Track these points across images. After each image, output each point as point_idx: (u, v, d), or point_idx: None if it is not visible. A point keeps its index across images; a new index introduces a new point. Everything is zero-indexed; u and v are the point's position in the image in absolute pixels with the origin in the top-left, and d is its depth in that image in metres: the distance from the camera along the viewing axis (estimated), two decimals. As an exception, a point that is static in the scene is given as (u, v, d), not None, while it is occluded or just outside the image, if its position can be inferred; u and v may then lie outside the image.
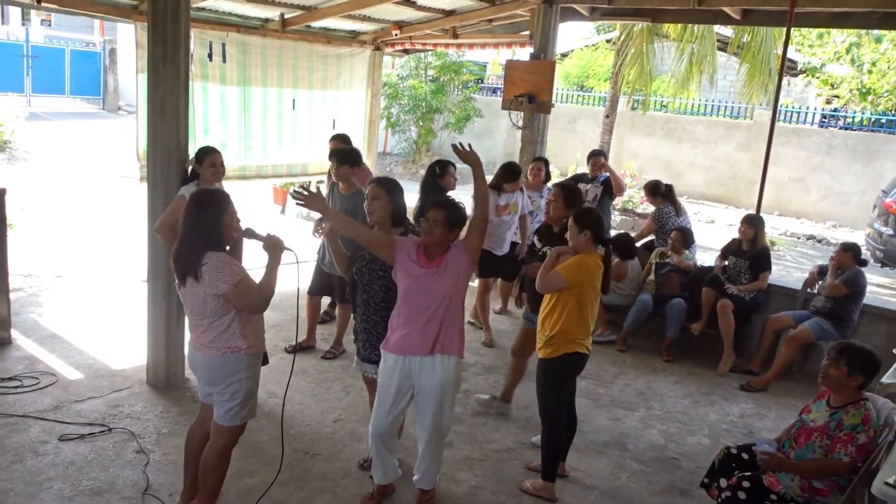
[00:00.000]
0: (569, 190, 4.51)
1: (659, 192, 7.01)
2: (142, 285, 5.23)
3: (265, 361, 3.61)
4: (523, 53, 8.17)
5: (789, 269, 9.74)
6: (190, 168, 4.72)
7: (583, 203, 4.69)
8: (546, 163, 6.80)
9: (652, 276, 6.55)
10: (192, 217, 3.14)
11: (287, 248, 3.37)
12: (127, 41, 19.58)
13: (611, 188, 7.09)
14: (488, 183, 6.25)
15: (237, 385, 3.23)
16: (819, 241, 12.57)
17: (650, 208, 7.61)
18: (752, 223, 6.25)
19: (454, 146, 3.61)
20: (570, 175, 8.12)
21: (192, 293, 3.12)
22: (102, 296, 6.61)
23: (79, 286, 6.82)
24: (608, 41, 19.10)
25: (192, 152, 4.80)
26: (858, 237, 10.51)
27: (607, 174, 7.14)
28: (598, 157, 7.25)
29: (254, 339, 3.27)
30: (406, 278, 3.47)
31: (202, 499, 3.39)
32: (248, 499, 3.68)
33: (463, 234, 3.59)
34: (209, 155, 4.68)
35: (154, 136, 4.66)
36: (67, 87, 21.52)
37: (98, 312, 6.18)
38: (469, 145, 3.57)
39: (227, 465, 3.40)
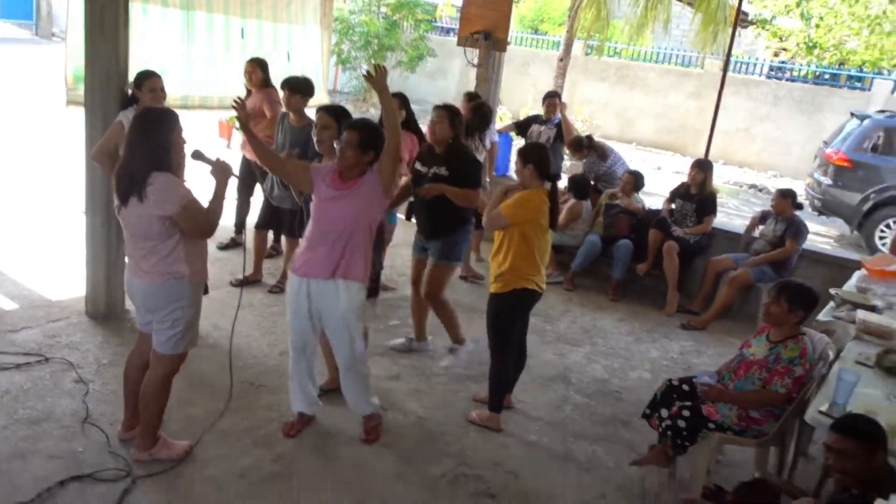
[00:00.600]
0: (454, 111, 4.43)
1: (582, 145, 7.02)
2: (80, 216, 5.01)
3: (206, 291, 3.53)
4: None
5: (731, 217, 9.97)
6: (129, 92, 4.49)
7: (463, 124, 4.58)
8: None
9: (601, 218, 6.62)
10: (139, 135, 2.99)
11: (235, 175, 3.28)
12: (60, -39, 18.39)
13: (561, 132, 7.10)
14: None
15: (179, 312, 3.14)
16: (760, 190, 12.90)
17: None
18: (702, 167, 6.34)
19: (365, 74, 3.46)
20: (522, 117, 8.04)
21: (136, 214, 2.99)
22: (38, 227, 6.33)
23: (13, 217, 6.51)
24: (564, -16, 18.85)
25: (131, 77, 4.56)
26: (799, 187, 10.80)
27: (560, 118, 7.13)
28: (553, 99, 7.21)
29: (197, 266, 3.18)
30: (316, 201, 3.44)
31: (143, 427, 3.34)
32: (192, 428, 3.63)
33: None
34: (149, 79, 4.45)
35: (92, 57, 4.39)
36: (-4, 10, 20.26)
37: (34, 244, 5.92)
38: (382, 67, 3.42)
39: (167, 394, 3.33)
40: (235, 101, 3.66)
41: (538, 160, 3.78)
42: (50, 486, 3.10)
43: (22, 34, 20.37)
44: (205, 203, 3.12)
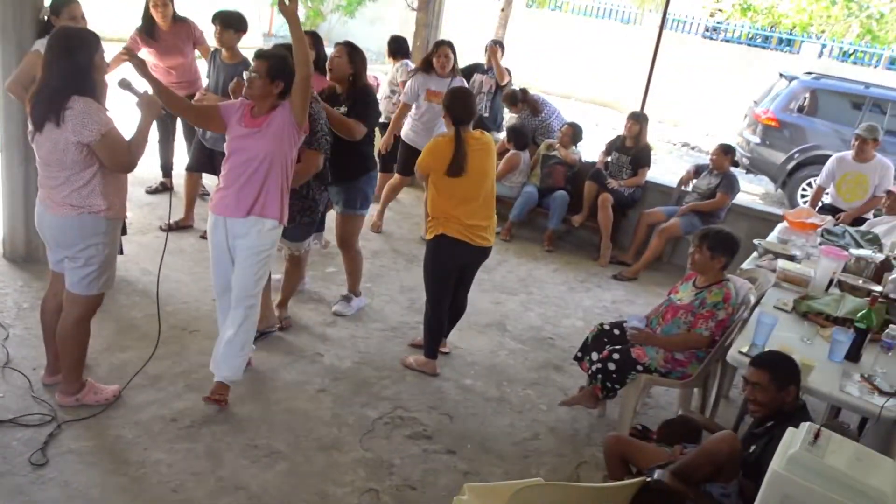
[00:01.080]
0: (353, 46, 4.29)
1: (517, 99, 7.01)
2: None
3: (124, 231, 3.40)
4: (421, -69, 7.76)
5: (664, 172, 10.20)
6: (45, 19, 4.21)
7: (365, 62, 4.37)
8: (452, 47, 6.04)
9: (538, 169, 6.66)
10: (58, 55, 2.82)
11: (164, 110, 3.15)
12: None
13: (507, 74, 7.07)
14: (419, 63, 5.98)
15: (93, 250, 3.01)
16: (692, 148, 13.22)
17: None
18: (638, 119, 6.44)
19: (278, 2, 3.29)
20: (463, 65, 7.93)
21: (51, 140, 2.83)
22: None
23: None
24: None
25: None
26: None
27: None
28: (494, 47, 7.14)
29: (115, 201, 3.03)
30: (229, 139, 3.37)
31: (66, 372, 3.24)
32: (122, 373, 3.55)
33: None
34: (68, 5, 4.15)
35: (3, -22, 4.10)
36: None
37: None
38: None
39: (86, 336, 3.23)
40: (125, 52, 3.48)
41: (448, 105, 3.78)
42: (-31, 431, 2.99)
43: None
44: (127, 136, 2.98)
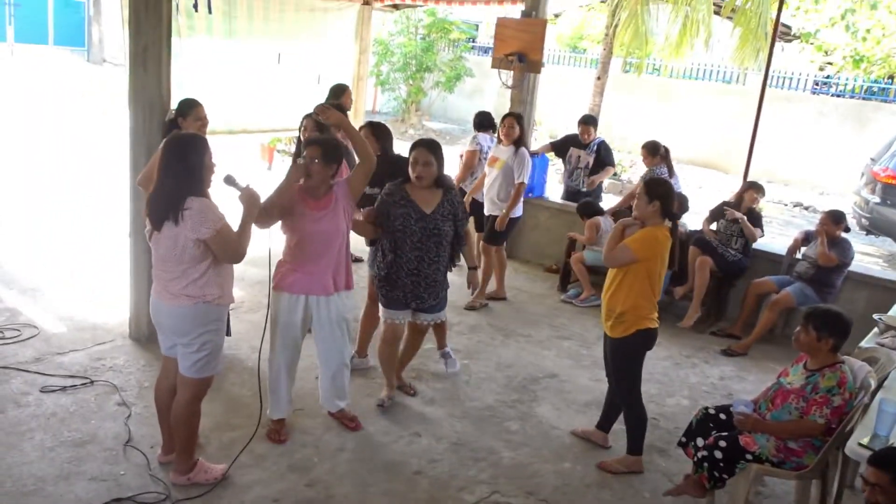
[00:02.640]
0: (375, 126, 4.76)
1: (658, 151, 6.95)
2: (125, 239, 5.17)
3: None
4: (515, 11, 8.01)
5: (775, 236, 9.77)
6: (168, 119, 4.63)
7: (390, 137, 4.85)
8: (520, 118, 6.28)
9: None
10: (173, 160, 3.08)
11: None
12: (111, -9, 19.07)
13: (604, 153, 7.11)
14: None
15: (207, 336, 3.21)
16: (806, 209, 12.62)
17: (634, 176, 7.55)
18: (760, 191, 6.29)
19: (314, 112, 3.80)
20: (559, 137, 8.01)
21: (170, 238, 3.07)
22: (86, 248, 6.55)
23: (61, 238, 6.75)
24: (602, 2, 18.83)
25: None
26: (846, 205, 10.54)
27: (600, 140, 7.26)
28: (587, 126, 7.22)
29: (227, 289, 3.28)
30: (299, 224, 3.63)
31: (179, 452, 3.42)
32: (230, 451, 3.70)
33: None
34: (194, 108, 4.54)
35: (136, 88, 4.57)
36: (51, 37, 21.02)
37: (81, 265, 6.13)
38: (324, 107, 3.71)
39: (197, 417, 3.40)
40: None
41: (665, 197, 3.69)
42: (92, 508, 3.20)
43: (74, 60, 21.13)
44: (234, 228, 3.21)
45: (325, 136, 4.08)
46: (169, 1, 4.57)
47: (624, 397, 3.94)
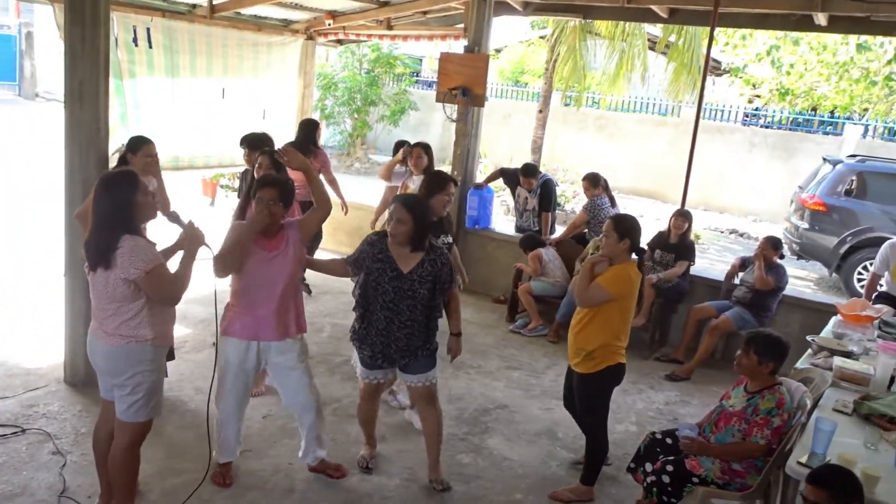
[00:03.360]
0: (426, 146, 5.24)
1: (598, 182, 7.12)
2: (59, 279, 5.00)
3: (171, 357, 3.55)
4: (458, 46, 8.16)
5: (713, 262, 10.08)
6: (116, 157, 4.54)
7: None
8: (427, 148, 6.25)
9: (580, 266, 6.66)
10: (101, 198, 2.99)
11: (206, 245, 3.28)
12: (45, 24, 18.68)
13: (546, 197, 7.22)
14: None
15: (140, 377, 3.09)
16: (741, 235, 13.06)
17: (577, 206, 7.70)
18: (686, 217, 6.46)
19: (276, 153, 3.80)
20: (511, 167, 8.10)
21: (102, 276, 2.99)
22: (16, 290, 6.29)
23: (-9, 281, 6.48)
24: (542, 37, 19.35)
25: (116, 142, 4.62)
26: (777, 231, 10.97)
27: (545, 178, 7.38)
28: (529, 179, 7.28)
29: (162, 330, 3.15)
30: (250, 262, 3.52)
31: (118, 500, 3.27)
32: (174, 498, 3.57)
33: None
34: (145, 145, 4.50)
35: (71, 124, 4.45)
36: (-20, 72, 20.42)
37: (11, 307, 5.88)
38: (286, 150, 3.75)
39: (136, 463, 3.27)
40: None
41: (634, 235, 3.70)
42: (24, 564, 3.04)
43: (5, 95, 20.51)
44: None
45: (281, 175, 3.94)
46: (107, 35, 4.50)
47: (588, 429, 3.97)
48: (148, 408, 3.18)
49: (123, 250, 2.94)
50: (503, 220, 8.32)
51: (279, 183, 3.59)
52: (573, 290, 6.45)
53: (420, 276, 3.57)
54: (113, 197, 2.98)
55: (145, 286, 2.99)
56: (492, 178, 7.87)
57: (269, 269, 3.53)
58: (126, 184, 3.03)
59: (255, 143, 5.30)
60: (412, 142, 6.61)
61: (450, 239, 4.73)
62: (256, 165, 4.71)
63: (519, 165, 7.57)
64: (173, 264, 3.18)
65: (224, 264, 3.46)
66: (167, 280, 3.05)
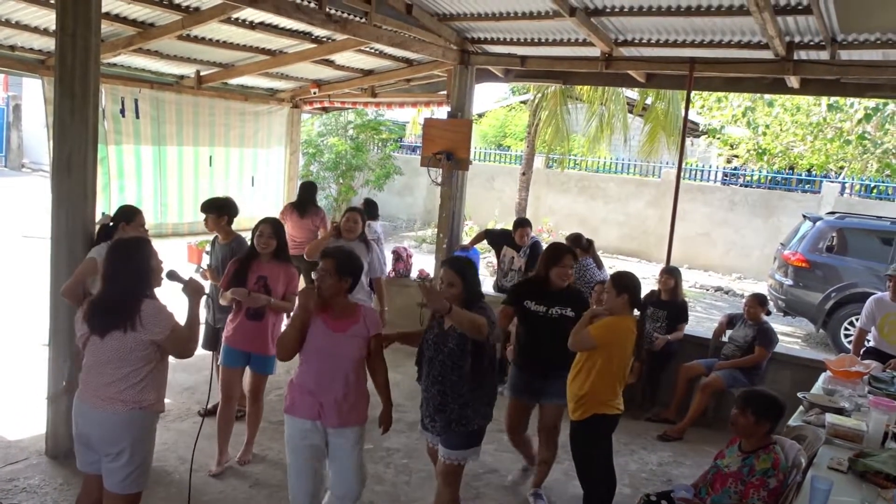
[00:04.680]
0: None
1: (580, 244, 7.15)
2: (40, 349, 4.93)
3: None
4: (441, 112, 8.36)
5: (700, 320, 10.10)
6: (98, 227, 4.54)
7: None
8: (361, 212, 6.03)
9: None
10: (120, 264, 3.06)
11: (206, 294, 3.43)
12: (32, 96, 18.94)
13: (533, 258, 7.22)
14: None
15: (140, 445, 3.05)
16: (726, 293, 13.15)
17: None
18: (672, 274, 6.50)
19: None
20: (497, 229, 8.13)
21: (118, 341, 2.98)
22: (-2, 362, 6.18)
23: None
24: (523, 102, 19.82)
25: (103, 211, 4.64)
26: (762, 287, 11.06)
27: (534, 240, 7.29)
28: (524, 229, 7.23)
29: (161, 394, 3.17)
30: (312, 337, 3.36)
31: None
32: (155, 576, 3.44)
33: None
34: (137, 215, 4.57)
35: (59, 195, 4.46)
36: (-33, 143, 20.52)
37: (-8, 380, 5.76)
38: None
39: None
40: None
41: (632, 289, 3.86)
42: None
43: (-8, 166, 20.61)
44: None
45: (339, 247, 3.70)
46: (95, 107, 4.57)
47: (582, 480, 3.99)
48: (143, 479, 3.13)
49: (148, 312, 3.00)
50: (489, 280, 8.33)
51: (338, 255, 3.41)
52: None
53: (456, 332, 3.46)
54: (135, 263, 3.07)
55: (169, 345, 3.06)
56: (477, 239, 7.89)
57: (331, 347, 3.35)
58: (146, 250, 3.14)
59: (210, 208, 5.17)
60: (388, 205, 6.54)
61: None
62: (257, 234, 4.61)
63: (503, 227, 7.63)
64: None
65: (281, 345, 3.41)
66: (185, 333, 3.13)
